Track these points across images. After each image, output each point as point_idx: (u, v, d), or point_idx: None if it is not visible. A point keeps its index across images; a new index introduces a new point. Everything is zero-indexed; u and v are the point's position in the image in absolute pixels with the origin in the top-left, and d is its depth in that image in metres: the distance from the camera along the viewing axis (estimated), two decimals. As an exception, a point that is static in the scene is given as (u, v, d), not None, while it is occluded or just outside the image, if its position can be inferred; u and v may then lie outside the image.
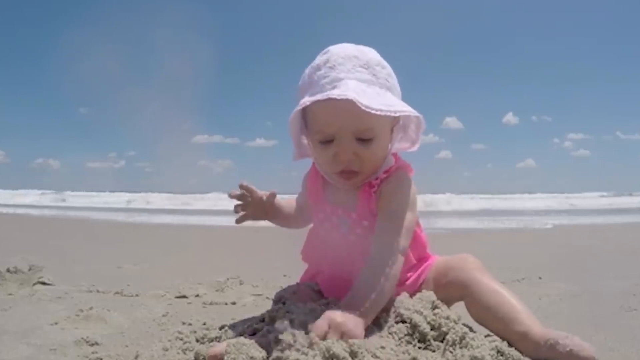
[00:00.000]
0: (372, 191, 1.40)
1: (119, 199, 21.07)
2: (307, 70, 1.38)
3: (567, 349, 1.16)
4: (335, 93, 1.24)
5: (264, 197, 1.57)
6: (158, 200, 20.36)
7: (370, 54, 1.37)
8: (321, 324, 1.13)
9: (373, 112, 1.22)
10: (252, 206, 1.58)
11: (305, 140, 1.51)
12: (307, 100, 1.29)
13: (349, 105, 1.21)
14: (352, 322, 1.15)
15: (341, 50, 1.34)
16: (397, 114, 1.31)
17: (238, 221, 1.62)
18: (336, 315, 1.15)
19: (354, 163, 1.36)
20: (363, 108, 1.21)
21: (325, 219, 1.53)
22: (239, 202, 1.57)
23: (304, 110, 1.39)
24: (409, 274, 1.52)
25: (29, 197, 21.52)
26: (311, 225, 1.65)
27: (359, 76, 1.30)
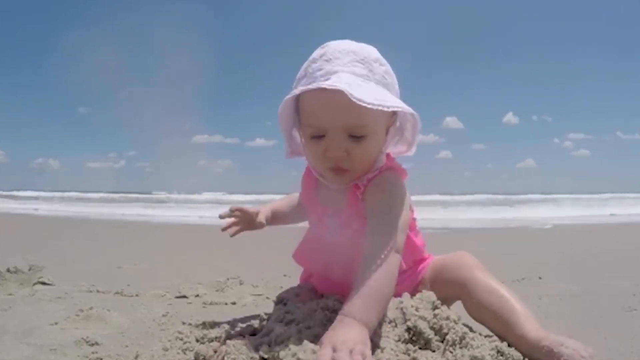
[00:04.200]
0: (358, 192, 1.35)
1: (119, 199, 21.06)
2: (304, 63, 1.35)
3: (561, 358, 1.14)
4: (326, 83, 1.19)
5: (257, 215, 1.66)
6: (158, 200, 20.36)
7: (369, 50, 1.33)
8: (325, 352, 1.02)
9: (364, 105, 1.16)
10: (245, 221, 1.67)
11: (298, 138, 1.46)
12: (297, 90, 1.25)
13: (341, 97, 1.16)
14: (356, 335, 1.06)
15: (339, 45, 1.32)
16: (390, 109, 1.23)
17: (232, 235, 1.68)
18: (337, 337, 1.06)
19: (345, 161, 1.31)
20: (354, 100, 1.15)
21: (317, 220, 1.50)
22: (230, 220, 1.65)
23: (298, 104, 1.35)
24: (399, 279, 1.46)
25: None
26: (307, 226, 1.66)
27: (355, 70, 1.26)
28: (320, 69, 1.27)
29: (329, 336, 1.08)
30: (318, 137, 1.30)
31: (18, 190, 26.30)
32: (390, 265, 1.22)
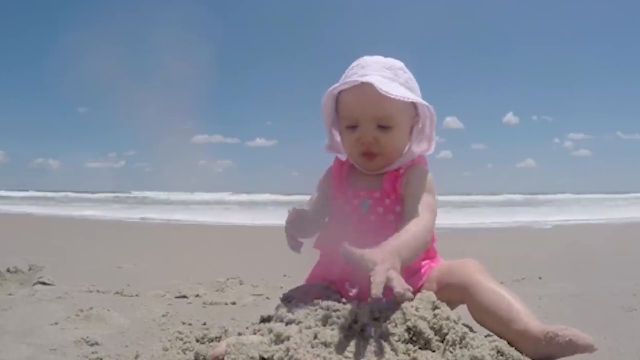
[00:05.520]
0: (399, 173, 1.59)
1: (119, 199, 21.08)
2: (345, 72, 1.66)
3: (567, 339, 1.19)
4: (360, 79, 1.50)
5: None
6: (158, 200, 20.37)
7: (395, 61, 1.63)
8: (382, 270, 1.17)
9: (389, 95, 1.45)
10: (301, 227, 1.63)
11: (337, 137, 1.71)
12: (337, 85, 1.57)
13: (371, 90, 1.47)
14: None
15: (371, 58, 1.64)
16: (409, 100, 1.52)
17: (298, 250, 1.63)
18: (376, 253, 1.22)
19: (374, 146, 1.57)
20: (381, 92, 1.44)
21: (346, 202, 1.61)
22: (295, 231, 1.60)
23: (337, 103, 1.64)
24: (423, 262, 1.59)
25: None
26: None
27: (383, 74, 1.56)
28: (356, 73, 1.59)
29: (369, 252, 1.22)
30: (352, 127, 1.58)
31: (18, 190, 26.35)
32: (426, 235, 1.45)
